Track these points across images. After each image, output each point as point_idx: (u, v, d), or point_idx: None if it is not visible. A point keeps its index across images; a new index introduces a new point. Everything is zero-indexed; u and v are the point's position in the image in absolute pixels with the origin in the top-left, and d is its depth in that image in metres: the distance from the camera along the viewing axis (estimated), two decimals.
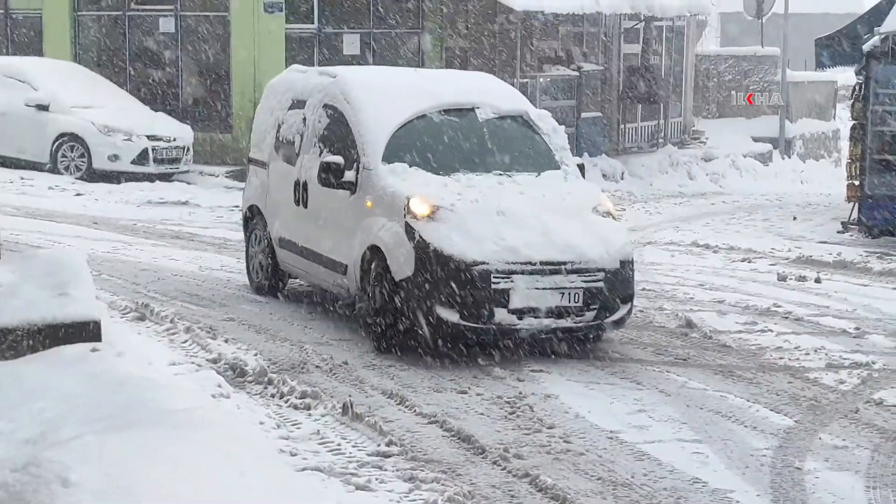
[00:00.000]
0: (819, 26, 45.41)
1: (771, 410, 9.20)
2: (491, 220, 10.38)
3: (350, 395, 9.04)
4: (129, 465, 6.09)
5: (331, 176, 11.07)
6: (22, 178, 20.85)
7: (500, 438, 8.32)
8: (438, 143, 11.23)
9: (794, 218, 20.95)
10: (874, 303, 13.37)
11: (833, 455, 8.27)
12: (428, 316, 10.09)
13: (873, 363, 10.61)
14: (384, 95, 11.56)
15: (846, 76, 33.79)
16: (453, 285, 10.04)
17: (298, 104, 12.38)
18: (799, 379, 10.13)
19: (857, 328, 12.04)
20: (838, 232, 18.92)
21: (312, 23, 24.39)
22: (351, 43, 25.01)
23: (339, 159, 11.12)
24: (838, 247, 17.50)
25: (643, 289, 13.33)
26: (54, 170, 21.60)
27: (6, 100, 21.71)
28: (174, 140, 22.22)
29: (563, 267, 10.28)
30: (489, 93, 11.96)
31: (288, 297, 12.69)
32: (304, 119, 12.14)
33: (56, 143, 21.67)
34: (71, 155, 21.72)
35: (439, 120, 11.43)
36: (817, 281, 14.56)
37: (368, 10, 25.36)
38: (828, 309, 12.95)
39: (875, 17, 26.65)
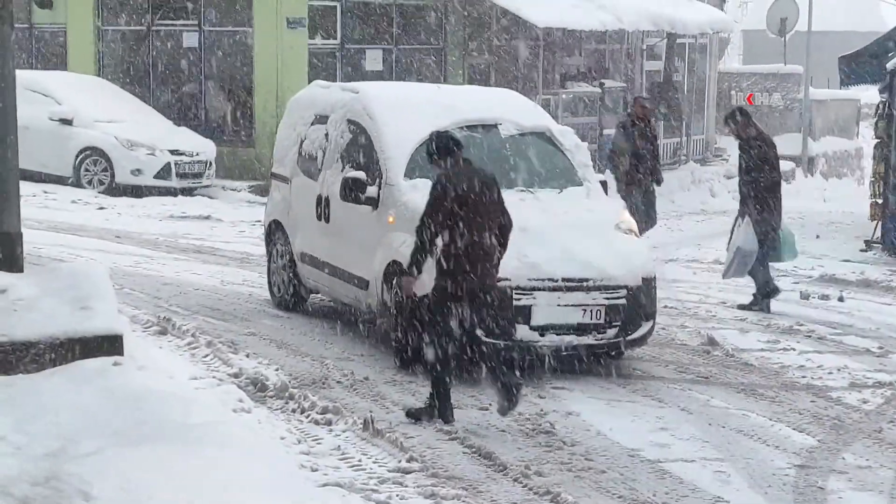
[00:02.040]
0: (842, 44, 45.25)
1: (793, 429, 9.15)
2: (513, 236, 10.34)
3: (371, 411, 9.02)
4: (149, 479, 6.09)
5: (353, 191, 11.06)
6: (45, 192, 20.90)
7: (521, 455, 8.29)
8: None
9: (817, 236, 20.85)
10: None
11: (856, 475, 8.21)
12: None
13: None
14: (406, 111, 11.56)
15: (870, 94, 33.64)
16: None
17: (321, 120, 12.39)
18: (822, 398, 10.08)
19: (881, 347, 11.97)
20: (861, 250, 18.82)
21: (335, 38, 24.44)
22: (373, 59, 25.04)
23: (361, 175, 11.12)
24: (861, 265, 17.42)
25: (665, 306, 13.28)
26: (77, 184, 21.65)
27: (30, 114, 21.68)
28: (197, 154, 22.26)
29: (585, 284, 10.25)
30: (511, 109, 11.95)
31: (309, 312, 12.69)
32: (327, 134, 12.15)
33: (79, 157, 21.73)
34: (94, 169, 21.78)
35: (461, 136, 11.41)
36: (840, 300, 14.49)
37: (391, 26, 25.41)
38: (851, 328, 12.89)
39: None
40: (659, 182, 17.28)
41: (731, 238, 13.62)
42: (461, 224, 8.73)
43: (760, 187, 13.23)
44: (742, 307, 13.58)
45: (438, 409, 8.91)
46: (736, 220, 13.60)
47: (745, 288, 15.13)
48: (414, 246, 8.85)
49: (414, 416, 8.92)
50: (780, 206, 13.40)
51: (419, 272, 8.86)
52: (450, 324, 8.85)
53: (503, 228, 9.08)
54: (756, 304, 13.55)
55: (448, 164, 8.92)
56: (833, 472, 8.24)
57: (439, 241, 8.81)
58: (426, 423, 8.84)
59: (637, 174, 16.61)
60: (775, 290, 13.60)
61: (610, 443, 8.68)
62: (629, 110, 16.97)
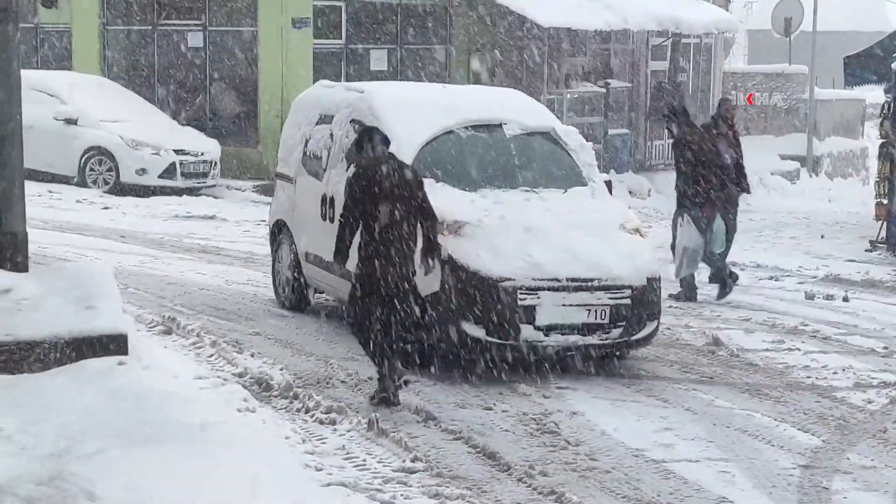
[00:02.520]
0: (847, 44, 45.24)
1: (798, 430, 9.14)
2: (517, 236, 10.36)
3: (375, 411, 9.02)
4: (153, 479, 6.09)
5: None
6: (50, 192, 20.93)
7: (525, 455, 8.29)
8: (465, 158, 11.23)
9: (822, 236, 20.85)
10: None
11: (861, 475, 8.20)
12: (454, 332, 10.06)
13: None
14: (411, 111, 11.55)
15: (875, 94, 33.63)
16: (479, 301, 10.02)
17: (326, 119, 12.40)
18: (826, 398, 10.07)
19: (886, 347, 11.96)
20: (866, 250, 18.81)
21: (340, 38, 24.44)
22: (378, 58, 25.05)
23: None
24: (866, 265, 17.41)
25: (670, 306, 13.28)
26: (82, 183, 21.67)
27: (35, 114, 21.70)
28: (201, 154, 22.27)
29: (589, 284, 10.25)
30: (516, 109, 11.94)
31: (314, 311, 12.69)
32: (332, 134, 12.16)
33: (84, 157, 21.76)
34: (99, 168, 21.80)
35: (466, 136, 11.43)
36: (845, 300, 14.48)
37: (396, 26, 25.41)
38: (856, 328, 12.88)
39: None
40: (746, 191, 14.79)
41: (674, 238, 14.01)
42: (376, 212, 9.15)
43: (697, 184, 13.65)
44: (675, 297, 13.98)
45: (376, 390, 9.34)
46: (676, 219, 14.01)
47: (749, 289, 15.12)
48: (336, 236, 9.35)
49: (376, 401, 9.25)
50: (721, 198, 13.84)
51: (344, 260, 9.32)
52: (373, 310, 9.24)
53: (429, 225, 9.40)
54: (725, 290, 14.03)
55: (368, 155, 9.32)
56: (838, 473, 8.23)
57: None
58: (393, 405, 9.18)
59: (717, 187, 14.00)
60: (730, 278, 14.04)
61: (614, 443, 8.68)
62: (717, 112, 14.69)
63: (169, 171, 21.81)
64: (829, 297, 14.57)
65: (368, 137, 9.36)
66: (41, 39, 26.61)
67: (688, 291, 14.07)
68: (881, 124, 19.24)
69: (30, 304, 8.97)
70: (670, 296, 13.70)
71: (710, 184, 13.74)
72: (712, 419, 9.31)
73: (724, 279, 14.06)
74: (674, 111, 14.13)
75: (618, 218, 11.06)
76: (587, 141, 12.05)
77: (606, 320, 10.31)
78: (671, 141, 13.90)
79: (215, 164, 22.46)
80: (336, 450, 8.21)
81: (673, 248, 14.07)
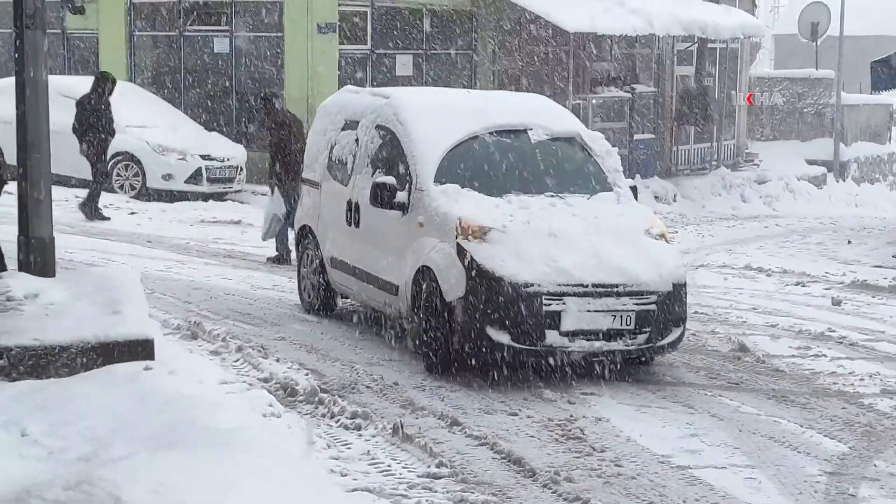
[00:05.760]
0: (874, 49, 45.08)
1: (825, 436, 9.11)
2: (543, 241, 10.35)
3: (400, 416, 9.03)
4: (179, 484, 6.11)
5: (383, 196, 11.07)
6: (77, 197, 21.00)
7: (550, 461, 8.28)
8: (491, 164, 11.22)
9: (849, 242, 20.77)
10: None
11: (888, 482, 8.16)
12: (479, 337, 10.06)
13: None
14: (437, 116, 11.56)
15: None
16: (504, 307, 10.01)
17: (351, 125, 12.42)
18: (853, 404, 10.02)
19: None
20: (893, 256, 18.74)
21: (365, 43, 24.49)
22: (403, 64, 25.09)
23: (391, 180, 11.13)
24: (893, 271, 17.32)
25: (695, 312, 13.25)
26: (109, 188, 21.75)
27: (62, 119, 21.77)
28: (227, 160, 22.35)
29: (615, 289, 10.23)
30: (542, 114, 11.94)
31: (339, 316, 12.71)
32: (357, 140, 12.18)
33: (111, 162, 21.85)
34: (125, 174, 21.89)
35: (491, 141, 11.43)
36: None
37: (421, 31, 25.44)
38: (883, 334, 12.82)
39: None
40: None
41: (267, 207, 16.09)
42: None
43: (286, 163, 15.67)
44: (270, 259, 16.10)
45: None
46: (268, 191, 16.21)
47: (775, 294, 15.06)
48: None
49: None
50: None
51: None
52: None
53: None
54: (283, 259, 15.98)
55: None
56: (864, 480, 8.19)
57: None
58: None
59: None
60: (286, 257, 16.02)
61: (640, 449, 8.66)
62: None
63: (195, 177, 21.89)
64: (856, 303, 14.49)
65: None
66: (69, 45, 26.74)
67: (283, 253, 16.02)
68: None
69: (57, 308, 9.02)
70: (268, 259, 16.04)
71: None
72: (738, 425, 9.28)
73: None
74: (266, 98, 16.25)
75: (643, 223, 11.04)
76: (612, 146, 12.03)
77: (632, 326, 10.28)
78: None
79: (241, 169, 22.54)
80: (361, 455, 8.22)
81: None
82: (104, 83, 19.21)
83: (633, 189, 11.68)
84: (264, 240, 16.19)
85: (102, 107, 19.07)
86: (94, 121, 18.91)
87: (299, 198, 14.12)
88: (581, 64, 26.33)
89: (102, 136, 19.12)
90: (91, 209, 19.13)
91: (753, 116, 33.71)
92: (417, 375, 10.39)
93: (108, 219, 19.11)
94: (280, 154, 15.77)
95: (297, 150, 15.40)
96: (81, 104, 19.03)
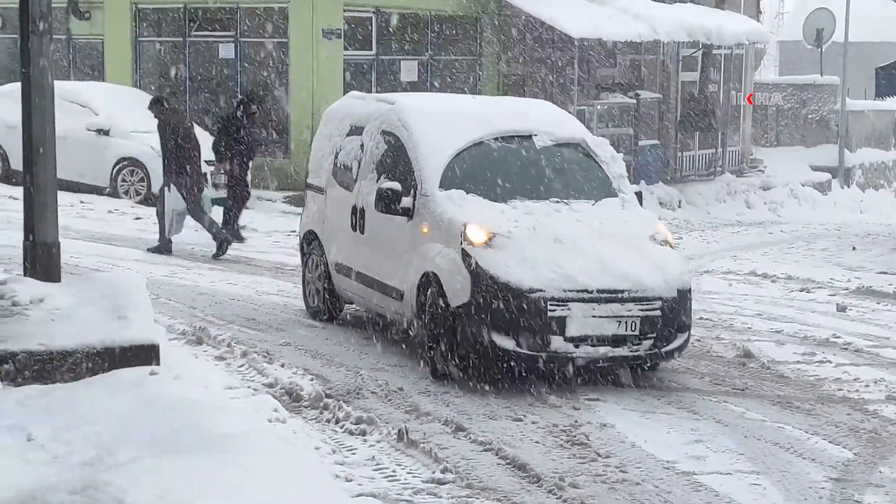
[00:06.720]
0: (879, 55, 45.10)
1: (830, 442, 9.10)
2: (548, 247, 10.35)
3: (405, 422, 9.03)
4: (184, 488, 6.11)
5: (388, 202, 11.08)
6: (82, 202, 21.05)
7: (555, 467, 8.28)
8: (495, 169, 11.23)
9: (854, 248, 20.76)
10: None
11: (893, 488, 8.15)
12: (483, 343, 10.06)
13: None
14: (442, 122, 11.57)
15: None
16: (509, 312, 10.02)
17: (356, 130, 12.43)
18: (858, 411, 10.02)
19: None
20: None
21: (370, 49, 24.51)
22: (408, 69, 25.11)
23: (396, 185, 11.14)
24: None
25: (700, 318, 13.24)
26: (114, 194, 21.79)
27: (67, 124, 21.85)
28: None
29: (620, 295, 10.23)
30: (546, 120, 11.94)
31: (344, 322, 12.72)
32: (362, 145, 12.19)
33: (116, 168, 21.88)
34: (130, 179, 21.91)
35: (496, 147, 11.44)
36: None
37: (426, 36, 25.46)
38: (888, 340, 12.81)
39: None
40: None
41: (163, 204, 16.77)
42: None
43: (180, 160, 16.61)
44: (150, 249, 16.86)
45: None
46: (162, 188, 16.90)
47: (780, 300, 15.06)
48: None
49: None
50: (196, 173, 16.95)
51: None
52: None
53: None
54: (222, 249, 16.96)
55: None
56: (870, 486, 8.18)
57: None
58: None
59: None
60: (227, 240, 17.15)
61: (644, 455, 8.65)
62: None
63: None
64: (861, 310, 14.48)
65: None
66: (74, 50, 26.77)
67: (165, 245, 16.91)
68: None
69: (62, 313, 9.03)
70: (149, 250, 16.87)
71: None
72: (743, 431, 9.28)
73: (222, 240, 17.04)
74: (158, 101, 17.38)
75: (648, 229, 11.04)
76: (617, 152, 12.03)
77: (637, 332, 10.28)
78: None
79: None
80: (366, 461, 8.22)
81: (160, 214, 16.87)
82: (250, 105, 18.61)
83: (638, 195, 11.68)
84: (169, 236, 16.96)
85: (247, 128, 18.47)
86: (235, 142, 18.30)
87: (195, 193, 16.38)
88: (586, 70, 26.34)
89: (245, 158, 18.63)
90: (230, 232, 18.07)
91: (758, 123, 33.71)
92: (422, 381, 10.40)
93: (244, 240, 18.45)
94: (176, 153, 16.75)
95: (189, 154, 16.78)
96: (225, 125, 18.40)
